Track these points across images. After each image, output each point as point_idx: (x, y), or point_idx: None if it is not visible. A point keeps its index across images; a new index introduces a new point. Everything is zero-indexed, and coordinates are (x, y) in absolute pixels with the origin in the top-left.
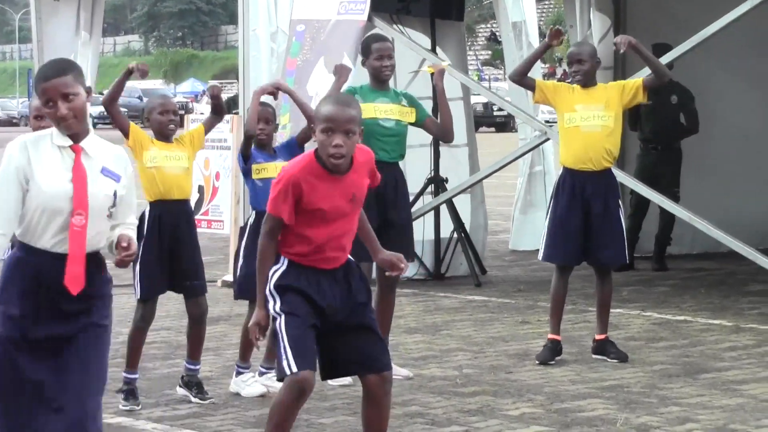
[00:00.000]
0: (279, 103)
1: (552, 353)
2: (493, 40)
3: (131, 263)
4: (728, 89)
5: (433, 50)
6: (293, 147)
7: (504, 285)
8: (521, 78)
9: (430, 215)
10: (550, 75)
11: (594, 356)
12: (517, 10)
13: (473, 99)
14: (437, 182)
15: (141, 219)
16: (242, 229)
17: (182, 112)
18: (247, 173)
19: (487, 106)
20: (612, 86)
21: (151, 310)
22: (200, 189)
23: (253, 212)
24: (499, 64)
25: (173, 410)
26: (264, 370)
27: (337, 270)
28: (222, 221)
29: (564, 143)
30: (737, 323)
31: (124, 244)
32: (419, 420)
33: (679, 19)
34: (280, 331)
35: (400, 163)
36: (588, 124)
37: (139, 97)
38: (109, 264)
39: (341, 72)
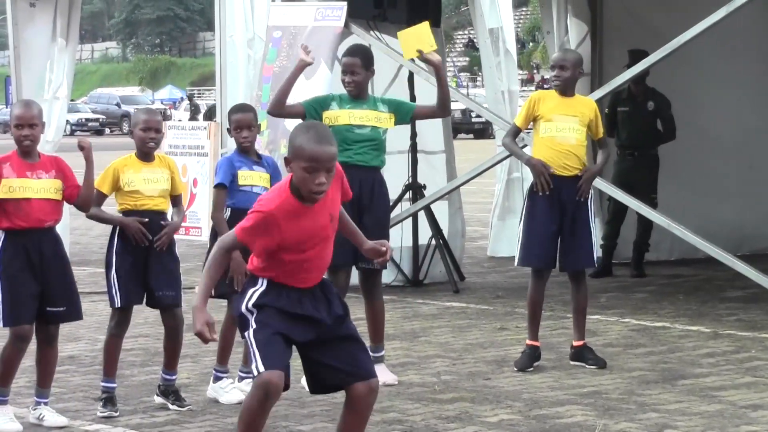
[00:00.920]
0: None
1: (530, 359)
2: (471, 46)
3: (106, 272)
4: (705, 96)
5: None
6: (278, 170)
7: (482, 291)
8: (512, 139)
9: (408, 222)
10: (527, 81)
11: (572, 363)
12: (494, 16)
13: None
14: (415, 189)
15: (114, 228)
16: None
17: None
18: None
19: (465, 112)
20: (589, 106)
21: (126, 318)
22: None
23: (229, 209)
24: (477, 70)
25: (151, 417)
26: (243, 375)
27: (314, 287)
28: (200, 228)
29: (537, 150)
30: (715, 329)
31: None
32: (398, 427)
33: (655, 25)
34: (250, 339)
35: None
36: (563, 135)
37: (117, 104)
38: (90, 271)
39: (299, 63)
